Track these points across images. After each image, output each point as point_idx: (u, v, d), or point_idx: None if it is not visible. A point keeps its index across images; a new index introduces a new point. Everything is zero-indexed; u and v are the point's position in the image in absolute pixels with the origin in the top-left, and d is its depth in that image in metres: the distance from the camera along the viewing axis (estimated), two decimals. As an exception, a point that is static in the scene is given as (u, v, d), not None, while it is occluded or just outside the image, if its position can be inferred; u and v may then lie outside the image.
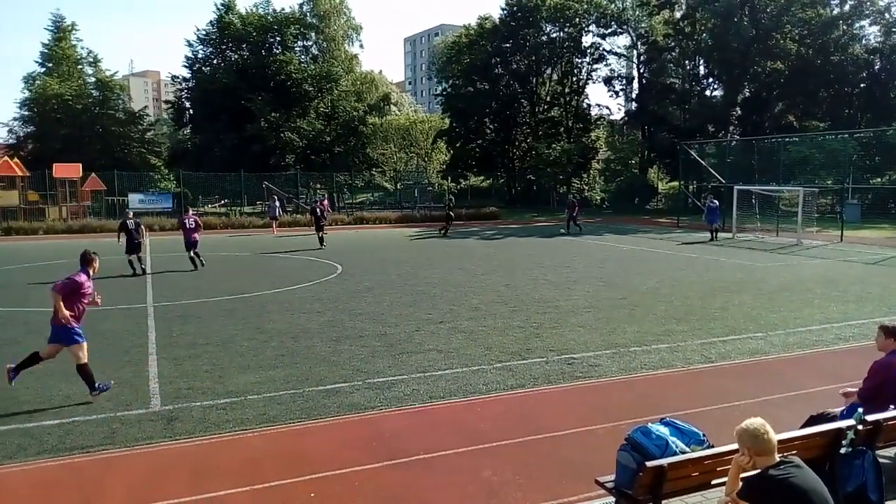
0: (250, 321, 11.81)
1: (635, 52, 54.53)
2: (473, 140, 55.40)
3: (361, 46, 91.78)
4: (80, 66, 49.98)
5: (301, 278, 16.83)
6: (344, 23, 58.53)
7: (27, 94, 47.51)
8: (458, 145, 54.89)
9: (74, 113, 45.56)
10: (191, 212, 20.34)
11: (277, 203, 34.20)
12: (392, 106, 64.38)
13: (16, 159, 39.73)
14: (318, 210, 26.18)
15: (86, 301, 7.81)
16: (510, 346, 9.94)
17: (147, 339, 10.45)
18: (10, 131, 48.93)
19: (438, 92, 63.81)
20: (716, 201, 26.94)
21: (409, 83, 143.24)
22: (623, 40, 56.60)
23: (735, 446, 3.85)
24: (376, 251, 23.64)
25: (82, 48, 50.96)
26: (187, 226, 18.98)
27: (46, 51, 49.19)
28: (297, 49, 54.66)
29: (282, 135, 47.31)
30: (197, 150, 51.04)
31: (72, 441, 6.44)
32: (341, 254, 22.49)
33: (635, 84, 56.17)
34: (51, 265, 20.44)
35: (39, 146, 45.45)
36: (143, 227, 18.73)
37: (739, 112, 48.30)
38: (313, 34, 56.34)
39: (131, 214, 19.27)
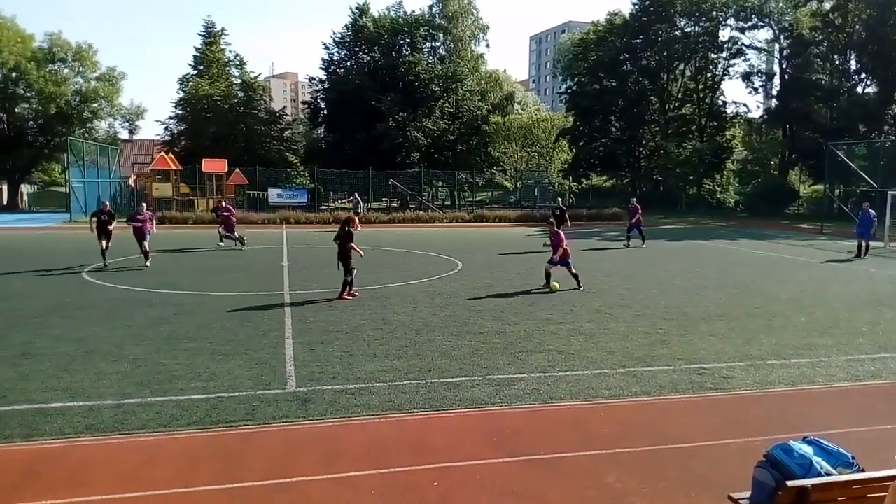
0: (376, 312, 12.27)
1: (777, 46, 50.90)
2: (597, 139, 54.17)
3: (487, 46, 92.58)
4: (227, 69, 53.90)
5: (423, 273, 17.25)
6: (471, 23, 59.11)
7: (181, 94, 51.99)
8: (581, 144, 53.89)
9: (222, 112, 49.25)
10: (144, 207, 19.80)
11: (359, 199, 35.19)
12: (515, 104, 64.25)
13: (170, 155, 43.62)
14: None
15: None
16: (634, 351, 9.65)
17: (284, 325, 11.14)
18: (166, 129, 53.85)
19: (563, 90, 62.94)
20: (872, 210, 22.39)
21: (533, 81, 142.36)
22: (764, 34, 53.06)
23: (893, 472, 3.54)
24: (496, 249, 23.73)
25: (230, 52, 54.95)
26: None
27: (198, 54, 53.54)
28: (426, 50, 55.89)
29: (408, 133, 48.63)
30: (330, 148, 53.59)
31: (217, 415, 7.01)
32: (462, 251, 22.79)
33: (776, 80, 52.44)
34: (199, 253, 22.31)
35: (191, 143, 49.54)
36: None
37: (896, 111, 43.85)
38: (441, 35, 57.38)
39: (107, 206, 18.93)
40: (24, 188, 52.24)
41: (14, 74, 46.07)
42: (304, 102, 68.59)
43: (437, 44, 57.91)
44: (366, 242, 26.30)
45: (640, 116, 53.60)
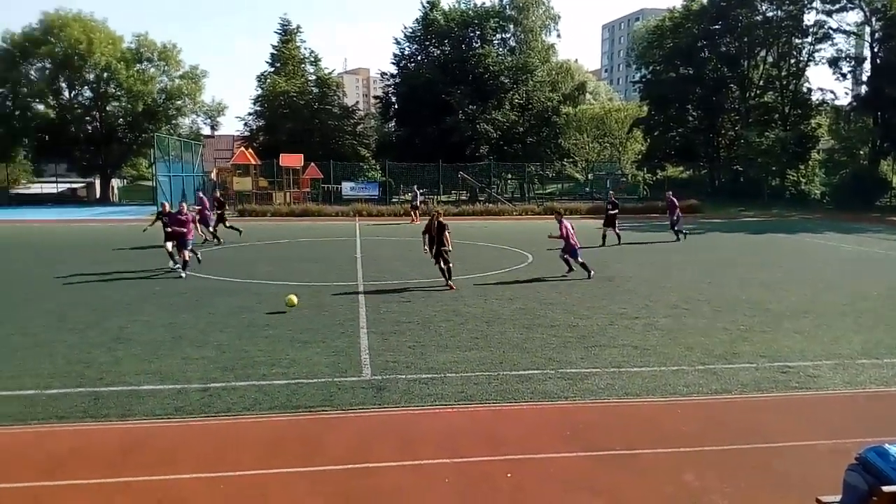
0: (447, 304, 12.37)
1: (868, 28, 47.73)
2: (673, 128, 52.50)
3: (558, 36, 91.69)
4: (303, 66, 55.28)
5: (493, 266, 17.24)
6: (542, 13, 58.39)
7: (259, 91, 53.75)
8: (656, 134, 52.40)
9: (297, 108, 50.60)
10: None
11: (419, 192, 35.26)
12: (587, 95, 63.12)
13: (250, 150, 45.22)
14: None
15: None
16: (714, 348, 9.36)
17: (358, 315, 11.39)
18: (245, 125, 55.80)
19: (637, 79, 61.29)
20: None
21: (606, 71, 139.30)
22: (854, 16, 49.81)
23: None
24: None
25: (305, 49, 56.33)
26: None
27: (275, 52, 55.15)
28: (496, 42, 55.61)
29: (477, 126, 48.57)
30: (400, 141, 54.20)
31: (297, 400, 7.26)
32: (532, 243, 22.61)
33: (867, 65, 49.21)
34: (277, 243, 23.07)
35: (269, 138, 51.15)
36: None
37: None
38: (511, 26, 56.95)
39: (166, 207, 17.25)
40: (115, 182, 55.27)
41: (105, 74, 48.80)
42: (375, 97, 69.55)
43: (508, 35, 57.48)
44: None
45: (719, 105, 51.55)
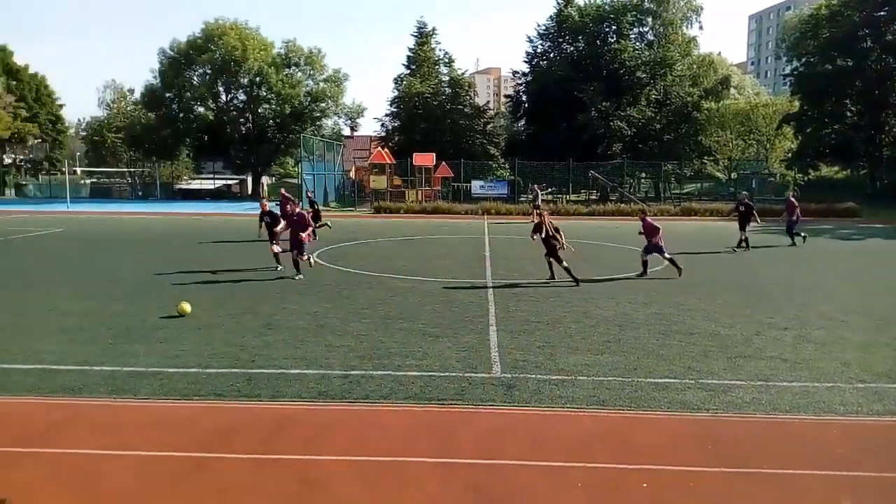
0: (576, 305, 12.17)
1: None
2: (828, 125, 48.18)
3: (700, 28, 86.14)
4: (437, 67, 56.55)
5: (624, 268, 16.72)
6: (683, 5, 55.62)
7: (395, 93, 55.62)
8: (808, 131, 48.36)
9: (431, 108, 51.86)
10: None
11: (539, 191, 34.42)
12: (731, 89, 59.39)
13: (386, 149, 46.94)
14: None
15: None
16: (876, 365, 8.51)
17: (488, 312, 11.50)
18: (382, 125, 58.02)
19: (787, 72, 56.85)
20: None
21: (752, 64, 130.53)
22: None
23: None
24: (704, 245, 22.19)
25: (440, 50, 57.55)
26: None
27: (411, 54, 56.82)
28: (632, 36, 53.84)
29: (611, 123, 47.28)
30: (530, 140, 53.96)
31: (430, 392, 7.46)
32: (667, 245, 21.68)
33: None
34: (409, 240, 23.80)
35: (403, 138, 52.88)
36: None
37: None
38: (650, 19, 54.81)
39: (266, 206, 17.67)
40: (265, 179, 59.55)
41: (258, 79, 52.71)
42: (506, 96, 69.75)
43: (645, 29, 55.37)
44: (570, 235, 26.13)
45: (883, 99, 46.63)
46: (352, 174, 51.32)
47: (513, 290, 13.76)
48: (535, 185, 35.55)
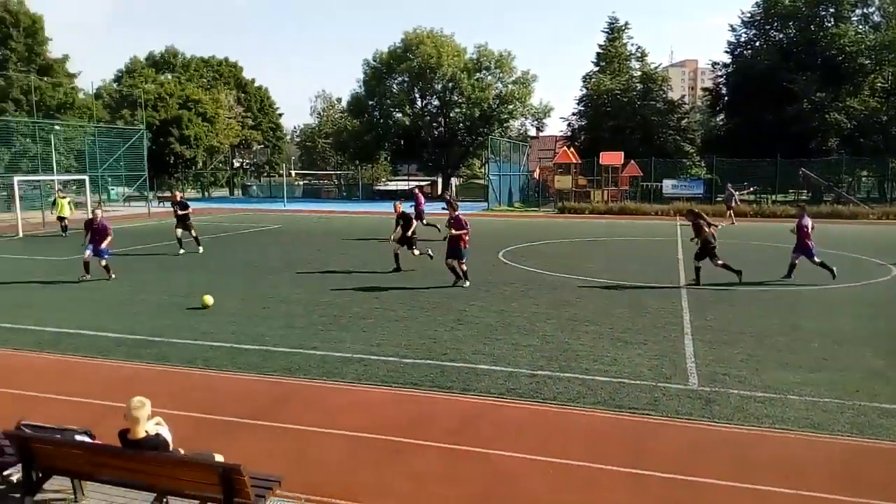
0: (783, 316, 11.13)
1: None
2: None
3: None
4: (628, 62, 54.68)
5: (843, 276, 14.88)
6: (922, -24, 48.18)
7: (583, 91, 54.69)
8: None
9: (620, 105, 50.24)
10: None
11: (734, 191, 31.15)
12: None
13: (571, 149, 46.36)
14: None
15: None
16: None
17: (682, 319, 10.92)
18: (568, 125, 57.44)
19: None
20: None
21: None
22: None
23: None
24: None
25: (632, 45, 55.55)
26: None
27: (601, 51, 55.52)
28: (854, 18, 47.75)
29: (826, 116, 42.38)
30: (730, 135, 50.07)
31: (619, 399, 7.26)
32: (895, 253, 19.01)
33: None
34: (595, 241, 23.32)
35: (590, 136, 51.86)
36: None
37: None
38: (877, -1, 48.23)
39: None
40: (454, 181, 61.84)
41: (451, 84, 54.81)
42: (703, 89, 65.40)
43: (871, 10, 48.79)
44: (764, 236, 23.90)
45: None
46: (536, 174, 51.41)
47: (708, 296, 12.92)
48: (730, 185, 33.01)
